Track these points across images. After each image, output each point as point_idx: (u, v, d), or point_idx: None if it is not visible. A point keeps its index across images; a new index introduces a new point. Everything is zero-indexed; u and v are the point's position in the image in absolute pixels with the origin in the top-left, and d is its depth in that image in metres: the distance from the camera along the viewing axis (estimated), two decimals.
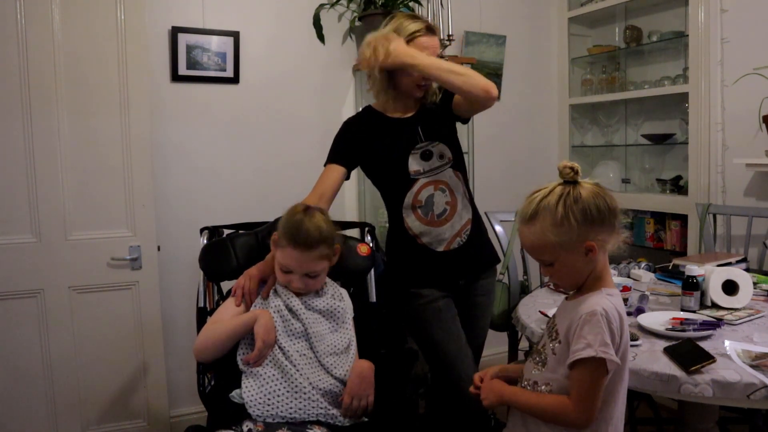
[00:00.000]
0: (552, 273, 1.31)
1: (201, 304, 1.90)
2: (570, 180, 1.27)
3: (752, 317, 1.78)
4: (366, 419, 1.64)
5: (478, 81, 1.73)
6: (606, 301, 1.24)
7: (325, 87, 2.94)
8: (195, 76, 2.65)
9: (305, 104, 2.90)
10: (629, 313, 1.82)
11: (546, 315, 1.80)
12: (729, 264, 2.17)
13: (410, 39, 1.81)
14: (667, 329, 1.64)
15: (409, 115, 1.95)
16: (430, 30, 1.84)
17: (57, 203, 2.24)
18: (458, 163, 1.94)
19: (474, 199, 2.02)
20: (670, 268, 2.33)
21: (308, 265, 1.64)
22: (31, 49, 2.16)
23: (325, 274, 1.72)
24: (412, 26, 1.82)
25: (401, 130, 1.91)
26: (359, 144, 1.93)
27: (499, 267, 2.11)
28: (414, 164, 1.88)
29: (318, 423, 1.58)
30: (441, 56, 1.89)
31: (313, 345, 1.66)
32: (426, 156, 1.89)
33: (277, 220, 1.96)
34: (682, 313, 1.80)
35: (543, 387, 1.29)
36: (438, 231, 1.88)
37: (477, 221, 1.98)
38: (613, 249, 1.29)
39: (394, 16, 1.88)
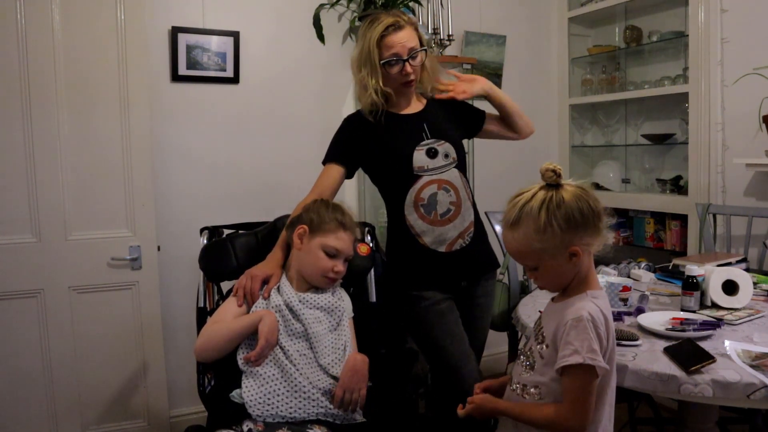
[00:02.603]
0: (537, 276, 1.31)
1: (201, 304, 1.90)
2: (552, 183, 1.26)
3: (752, 317, 1.78)
4: (360, 417, 1.64)
5: (529, 125, 2.12)
6: (591, 304, 1.24)
7: (325, 87, 2.94)
8: (195, 76, 2.65)
9: (305, 104, 2.90)
10: (629, 314, 1.82)
11: None
12: (729, 264, 2.17)
13: (379, 42, 1.80)
14: (667, 329, 1.64)
15: (415, 111, 1.94)
16: (399, 26, 1.80)
17: (57, 203, 2.24)
18: (462, 165, 1.94)
19: (474, 200, 2.02)
20: (670, 268, 2.33)
21: (350, 247, 1.76)
22: (31, 49, 2.16)
23: (347, 265, 1.78)
24: (379, 27, 1.80)
25: (407, 126, 1.90)
26: (360, 140, 1.91)
27: (498, 268, 2.11)
28: (418, 160, 1.86)
29: (318, 423, 1.58)
30: (422, 43, 1.86)
31: (313, 345, 1.66)
32: (431, 153, 1.87)
33: (277, 220, 1.97)
34: (682, 313, 1.80)
35: (532, 390, 1.29)
36: (440, 231, 1.87)
37: (479, 224, 1.97)
38: (599, 251, 1.29)
39: (365, 21, 1.86)
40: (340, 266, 1.72)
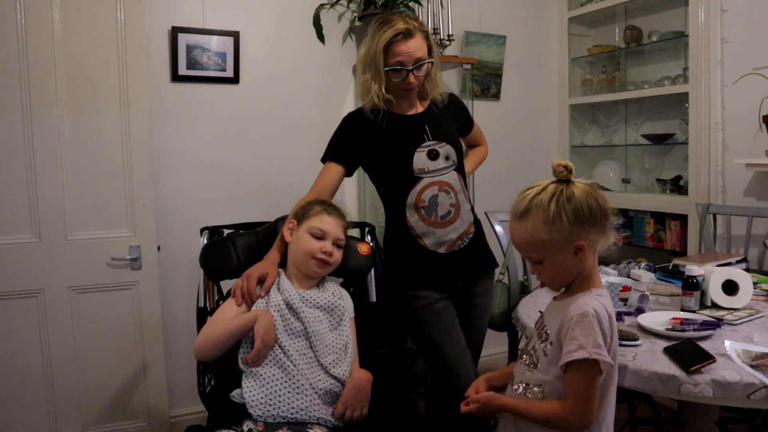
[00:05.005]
0: (541, 271, 1.31)
1: (201, 304, 1.90)
2: (563, 179, 1.27)
3: (752, 317, 1.77)
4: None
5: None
6: (596, 301, 1.24)
7: (325, 87, 2.94)
8: (195, 76, 2.65)
9: (305, 104, 2.90)
10: (629, 314, 1.82)
11: None
12: (729, 264, 2.17)
13: (386, 48, 1.78)
14: (667, 329, 1.64)
15: (417, 112, 1.93)
16: (409, 34, 1.78)
17: (57, 203, 2.24)
18: (461, 167, 1.94)
19: (474, 201, 2.02)
20: (670, 268, 2.33)
21: (338, 231, 1.76)
22: (31, 49, 2.16)
23: (341, 254, 1.79)
24: (388, 33, 1.77)
25: (408, 126, 1.90)
26: (360, 139, 1.91)
27: (498, 268, 2.10)
28: (419, 162, 1.85)
29: (318, 423, 1.58)
30: (430, 52, 1.84)
31: (313, 344, 1.66)
32: (432, 155, 1.87)
33: (278, 220, 1.98)
34: (682, 313, 1.80)
35: (535, 389, 1.29)
36: (441, 232, 1.87)
37: (477, 225, 1.97)
38: (603, 249, 1.30)
39: (377, 20, 1.84)
40: (328, 246, 1.73)
